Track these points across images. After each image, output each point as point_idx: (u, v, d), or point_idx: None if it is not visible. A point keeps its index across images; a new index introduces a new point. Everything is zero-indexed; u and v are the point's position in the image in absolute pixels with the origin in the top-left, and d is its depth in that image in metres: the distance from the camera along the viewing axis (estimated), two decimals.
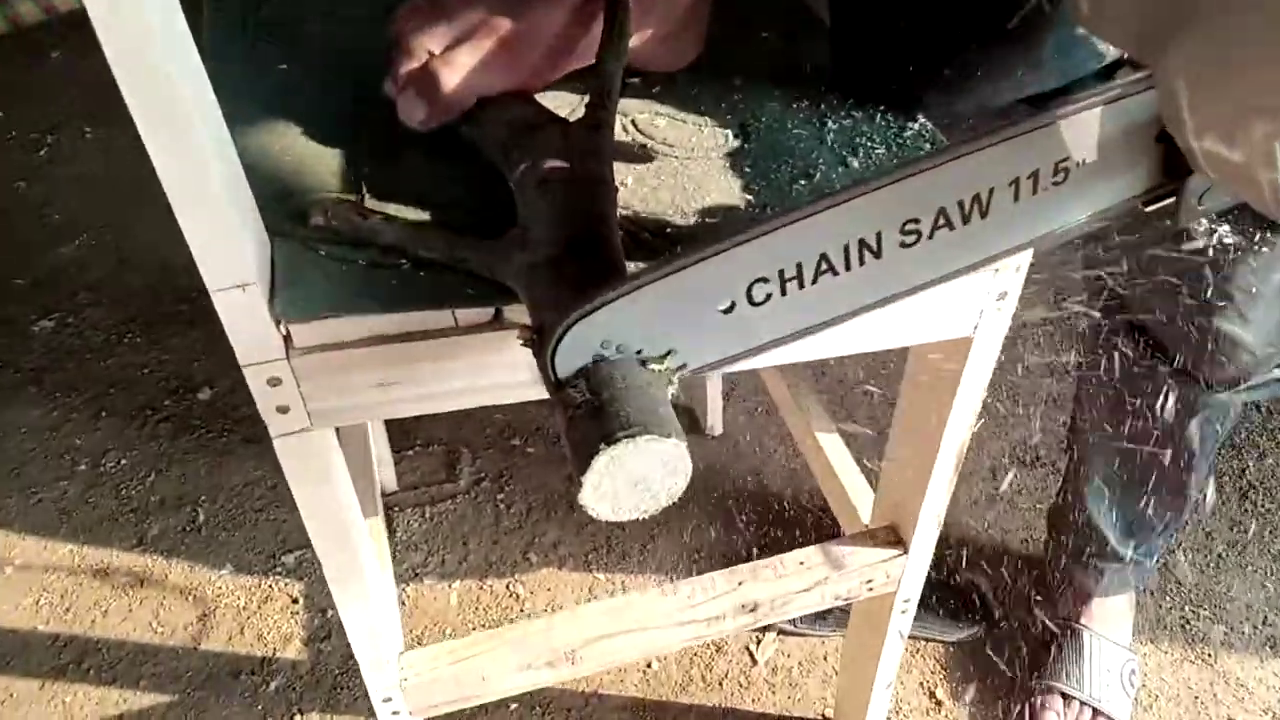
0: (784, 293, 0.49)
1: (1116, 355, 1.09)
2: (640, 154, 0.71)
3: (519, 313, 0.59)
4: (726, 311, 0.49)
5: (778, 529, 1.49)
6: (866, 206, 0.48)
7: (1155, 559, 1.35)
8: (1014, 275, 0.71)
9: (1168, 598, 1.45)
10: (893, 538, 0.94)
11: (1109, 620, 1.37)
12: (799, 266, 0.49)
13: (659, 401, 0.47)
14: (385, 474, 1.53)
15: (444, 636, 1.38)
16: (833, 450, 1.12)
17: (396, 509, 1.54)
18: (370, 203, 0.63)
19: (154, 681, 1.34)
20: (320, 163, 0.67)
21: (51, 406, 1.70)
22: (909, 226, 0.50)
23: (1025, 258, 0.70)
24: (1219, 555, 1.50)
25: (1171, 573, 1.48)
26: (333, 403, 0.60)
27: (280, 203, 0.63)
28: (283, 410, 0.60)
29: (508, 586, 1.44)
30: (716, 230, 0.63)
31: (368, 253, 0.60)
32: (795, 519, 1.51)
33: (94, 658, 1.36)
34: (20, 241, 2.01)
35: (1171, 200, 0.57)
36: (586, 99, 0.67)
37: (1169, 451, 1.17)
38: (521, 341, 0.53)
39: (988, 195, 0.51)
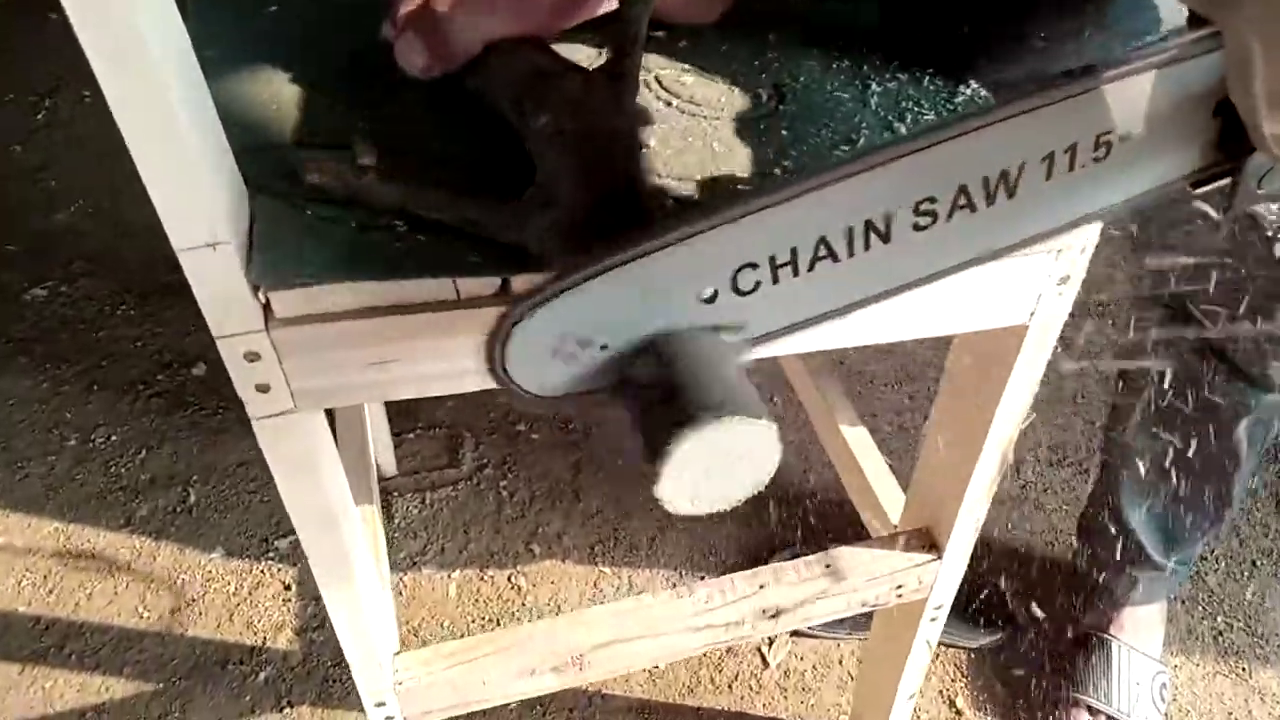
0: (775, 280, 0.42)
1: (1164, 351, 1.02)
2: (665, 114, 0.64)
3: (529, 282, 0.52)
4: (708, 301, 0.42)
5: (796, 527, 1.43)
6: (876, 182, 0.41)
7: (1190, 567, 1.29)
8: (1078, 257, 0.64)
9: (1199, 608, 1.39)
10: (926, 541, 0.88)
11: (1140, 631, 1.31)
12: (794, 251, 0.42)
13: (740, 377, 0.40)
14: (384, 457, 1.47)
15: (442, 629, 1.32)
16: (859, 445, 1.05)
17: (395, 494, 1.47)
18: (365, 157, 0.57)
19: (138, 669, 1.28)
20: (310, 113, 0.60)
21: (41, 378, 1.64)
22: (924, 206, 0.43)
23: (1092, 237, 0.63)
24: (1252, 563, 1.44)
25: (1203, 582, 1.41)
26: (319, 382, 0.53)
27: (263, 155, 0.56)
28: (262, 389, 0.53)
29: (509, 578, 1.38)
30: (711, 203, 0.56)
31: (360, 213, 0.54)
32: (815, 517, 1.45)
33: (76, 642, 1.30)
34: (14, 207, 1.95)
35: (1226, 182, 0.50)
36: (606, 52, 0.60)
37: (1216, 454, 1.10)
38: None
39: (1017, 171, 0.43)
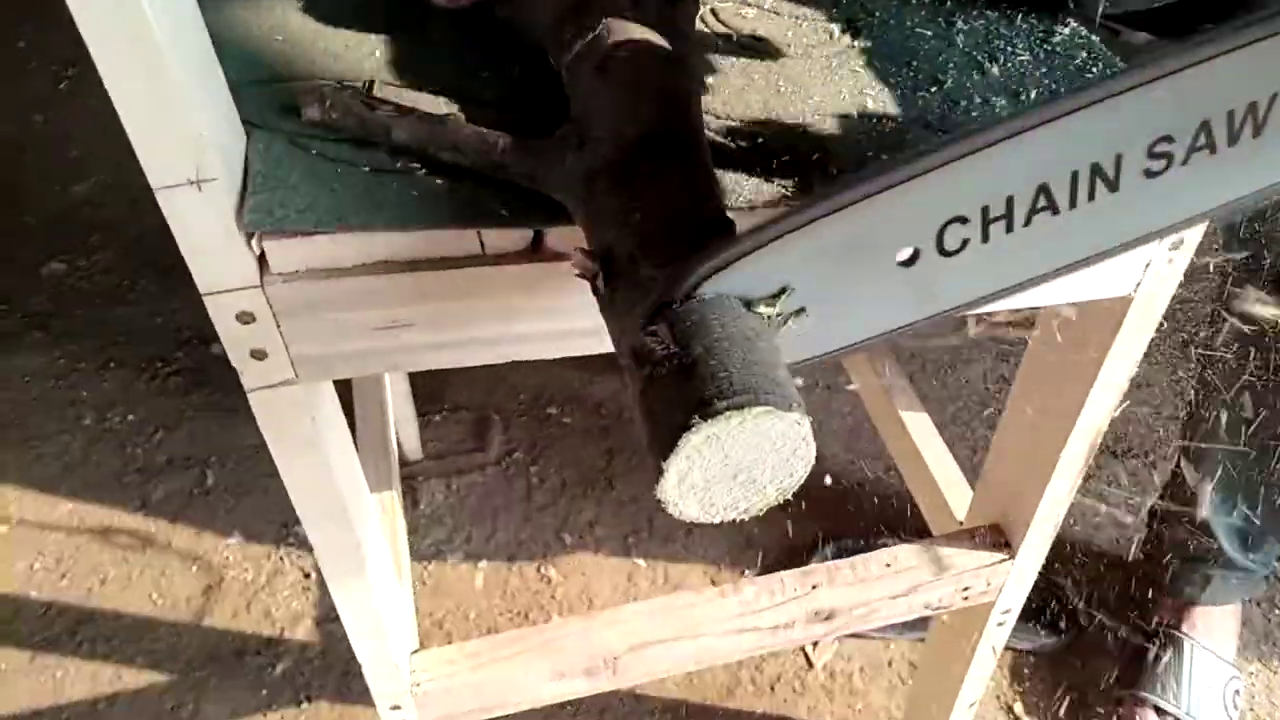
0: (985, 238, 0.35)
1: (1263, 327, 0.93)
2: (724, 50, 0.56)
3: (565, 237, 0.45)
4: (907, 264, 0.35)
5: (846, 520, 1.34)
6: (1109, 117, 0.34)
7: (1269, 568, 1.20)
8: None
9: (1277, 610, 1.29)
10: (997, 539, 0.80)
11: (1214, 631, 1.22)
12: (1009, 201, 0.35)
13: (772, 360, 0.32)
14: (408, 440, 1.40)
15: (467, 621, 1.25)
16: (920, 432, 0.97)
17: (420, 479, 1.40)
18: (381, 91, 0.49)
19: (151, 658, 1.22)
20: (319, 44, 0.53)
21: (57, 354, 1.59)
22: (1159, 148, 0.35)
23: None
24: None
25: None
26: (323, 348, 0.46)
27: (264, 90, 0.49)
28: (258, 356, 0.46)
29: (538, 569, 1.31)
30: (866, 158, 0.48)
31: (374, 154, 0.46)
32: (865, 508, 1.36)
33: (89, 629, 1.25)
34: (33, 178, 1.89)
35: None
36: None
37: None
38: (578, 273, 0.39)
39: (1268, 104, 0.35)
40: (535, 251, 0.46)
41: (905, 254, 0.35)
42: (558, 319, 0.48)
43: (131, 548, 1.34)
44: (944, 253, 0.35)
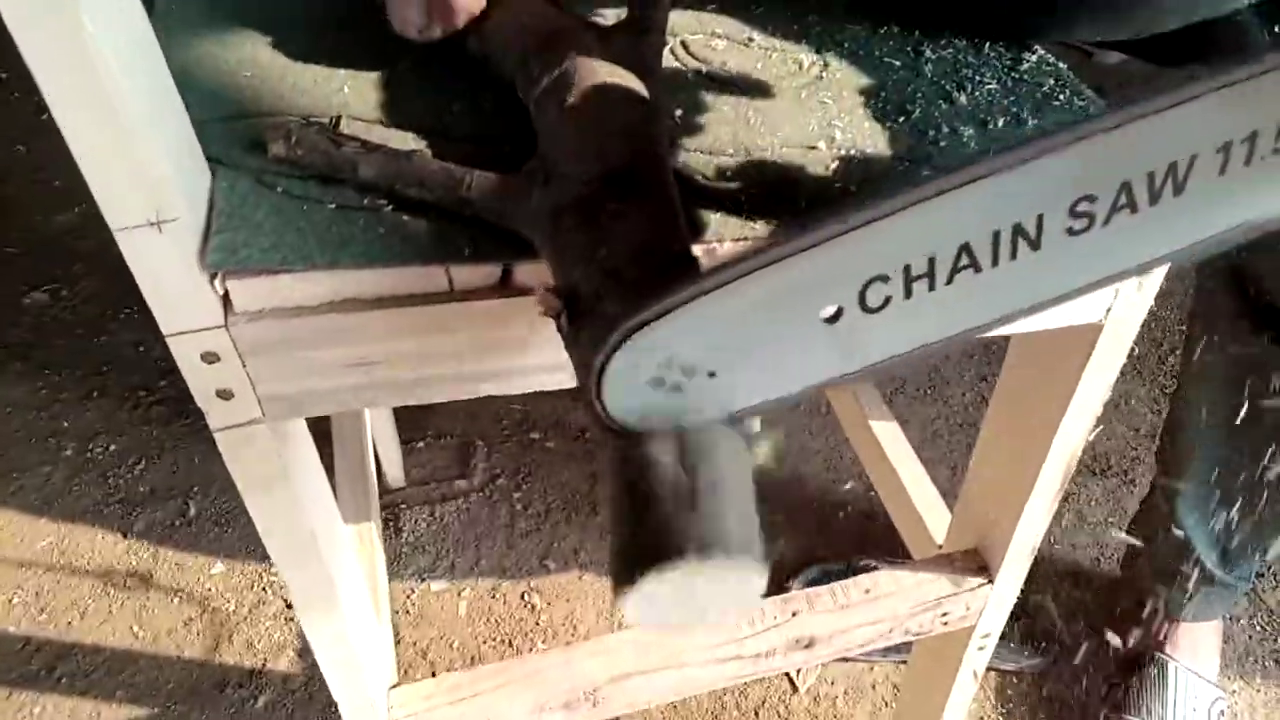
0: (908, 294, 0.35)
1: (1235, 340, 0.94)
2: (693, 82, 0.57)
3: (535, 273, 0.45)
4: (832, 320, 0.35)
5: (825, 544, 1.34)
6: (1031, 178, 0.34)
7: (1249, 583, 1.20)
8: None
9: (1258, 629, 1.29)
10: (976, 564, 0.80)
11: (1197, 650, 1.22)
12: (931, 261, 0.35)
13: (752, 497, 0.34)
14: (391, 467, 1.40)
15: (451, 650, 1.24)
16: (898, 457, 0.97)
17: (403, 506, 1.40)
18: (348, 127, 0.49)
19: (131, 692, 1.21)
20: (288, 79, 0.53)
21: (39, 384, 1.58)
22: (1081, 207, 0.35)
23: None
24: None
25: (1262, 601, 1.32)
26: (290, 386, 0.46)
27: (231, 126, 0.49)
28: (224, 396, 0.46)
29: (523, 596, 1.30)
30: (807, 214, 0.49)
31: (340, 191, 0.46)
32: (845, 531, 1.36)
33: (68, 664, 1.23)
34: (16, 207, 1.89)
35: None
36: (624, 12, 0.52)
37: None
38: (542, 310, 0.39)
39: (1187, 165, 0.36)
40: (504, 287, 0.46)
41: (829, 311, 0.35)
42: (529, 355, 0.48)
43: (112, 580, 1.32)
44: (867, 309, 0.35)
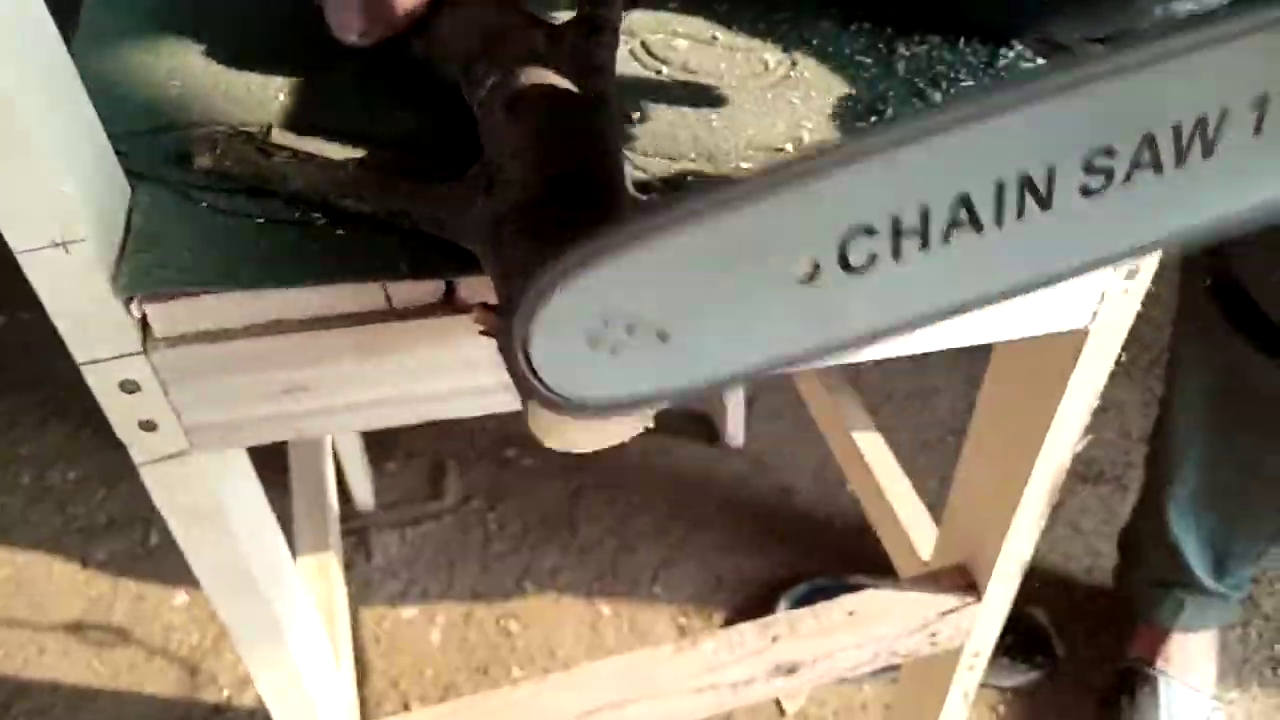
0: (897, 254, 0.30)
1: (1224, 345, 0.91)
2: (653, 85, 0.53)
3: (480, 288, 0.41)
4: (808, 280, 0.31)
5: (813, 559, 1.31)
6: (1043, 120, 0.29)
7: (1243, 591, 1.17)
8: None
9: (1254, 636, 1.27)
10: (963, 581, 0.76)
11: (1191, 662, 1.19)
12: (924, 213, 0.30)
13: None
14: (360, 489, 1.35)
15: (424, 680, 1.20)
16: (884, 472, 0.94)
17: (373, 530, 1.36)
18: (279, 137, 0.46)
19: None
20: (220, 88, 0.50)
21: None
22: (1098, 161, 0.31)
23: None
24: None
25: (1258, 607, 1.29)
26: (218, 416, 0.42)
27: (156, 139, 0.45)
28: (148, 428, 0.42)
29: (498, 621, 1.26)
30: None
31: (270, 204, 0.43)
32: (832, 545, 1.33)
33: (24, 702, 1.19)
34: None
35: None
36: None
37: (1272, 466, 0.99)
38: (481, 329, 0.36)
39: (1218, 119, 0.31)
40: (447, 304, 0.42)
41: (804, 268, 0.30)
42: (479, 375, 0.45)
43: (70, 614, 1.28)
44: (849, 268, 0.30)
